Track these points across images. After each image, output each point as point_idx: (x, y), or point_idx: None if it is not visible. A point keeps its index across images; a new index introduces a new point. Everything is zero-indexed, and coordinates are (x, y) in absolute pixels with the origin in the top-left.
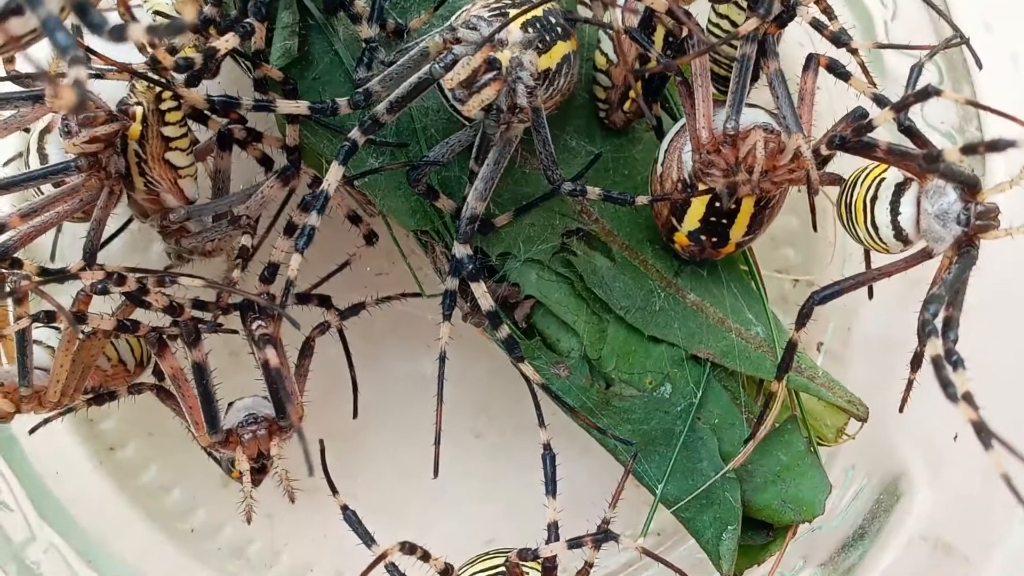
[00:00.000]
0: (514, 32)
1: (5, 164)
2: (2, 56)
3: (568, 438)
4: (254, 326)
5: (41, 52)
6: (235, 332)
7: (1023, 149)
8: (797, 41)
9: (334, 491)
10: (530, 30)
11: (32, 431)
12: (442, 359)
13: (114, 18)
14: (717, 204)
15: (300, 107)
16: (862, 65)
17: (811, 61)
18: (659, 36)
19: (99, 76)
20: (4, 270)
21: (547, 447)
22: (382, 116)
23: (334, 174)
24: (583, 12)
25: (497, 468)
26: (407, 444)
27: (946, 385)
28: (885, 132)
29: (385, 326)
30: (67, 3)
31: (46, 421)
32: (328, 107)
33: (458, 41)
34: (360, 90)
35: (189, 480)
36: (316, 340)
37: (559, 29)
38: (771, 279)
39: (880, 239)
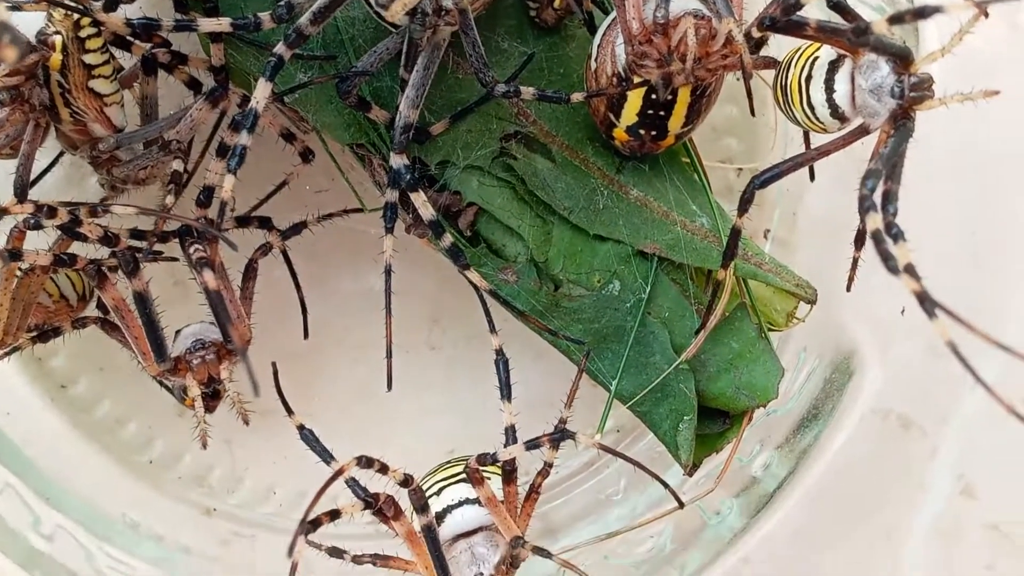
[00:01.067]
0: None
1: None
2: None
3: (522, 344)
4: (191, 249)
5: None
6: (175, 260)
7: (953, 16)
8: None
9: (289, 412)
10: None
11: None
12: (388, 272)
13: None
14: (653, 96)
15: (222, 24)
16: None
17: None
18: None
19: (15, 8)
20: None
21: (499, 352)
22: (306, 28)
23: (261, 91)
24: None
25: (453, 379)
26: (361, 361)
27: (887, 258)
28: (815, 10)
29: (329, 244)
30: None
31: None
32: (251, 23)
33: None
34: (282, 3)
35: (144, 412)
36: (259, 262)
37: None
38: (715, 170)
39: (817, 119)
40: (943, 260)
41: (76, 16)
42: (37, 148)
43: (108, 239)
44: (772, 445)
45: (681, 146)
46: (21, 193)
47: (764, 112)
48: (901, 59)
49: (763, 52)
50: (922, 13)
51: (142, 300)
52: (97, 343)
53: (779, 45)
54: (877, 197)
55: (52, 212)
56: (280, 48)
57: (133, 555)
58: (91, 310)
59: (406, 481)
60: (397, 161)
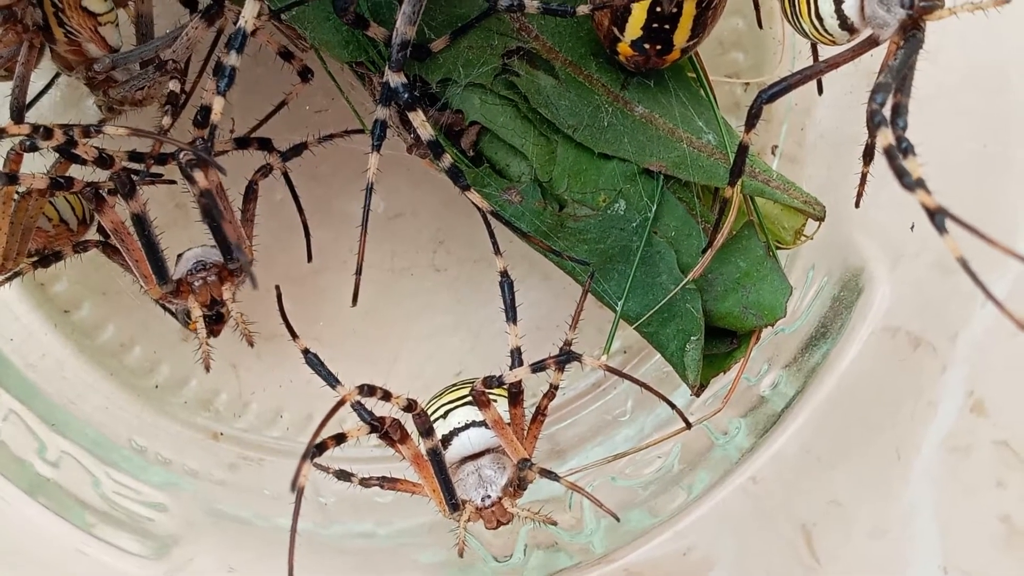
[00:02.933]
0: None
1: None
2: None
3: (529, 265)
4: (182, 156)
5: None
6: (173, 183)
7: None
8: None
9: (294, 335)
10: None
11: None
12: (368, 190)
13: None
14: (658, 9)
15: None
16: None
17: None
18: None
19: None
20: None
21: (504, 274)
22: None
23: (249, 9)
24: None
25: (460, 301)
26: (366, 282)
27: (901, 175)
28: None
29: (331, 166)
30: None
31: None
32: None
33: None
34: None
35: (148, 337)
36: (260, 184)
37: None
38: (722, 85)
39: (826, 30)
40: (953, 174)
41: None
42: (32, 69)
43: (104, 161)
44: (780, 364)
45: (687, 61)
46: (17, 115)
47: (771, 25)
48: None
49: None
50: None
51: (140, 222)
52: (99, 268)
53: None
54: (887, 111)
55: (48, 133)
56: None
57: (140, 480)
58: (92, 234)
59: (410, 406)
60: (395, 79)
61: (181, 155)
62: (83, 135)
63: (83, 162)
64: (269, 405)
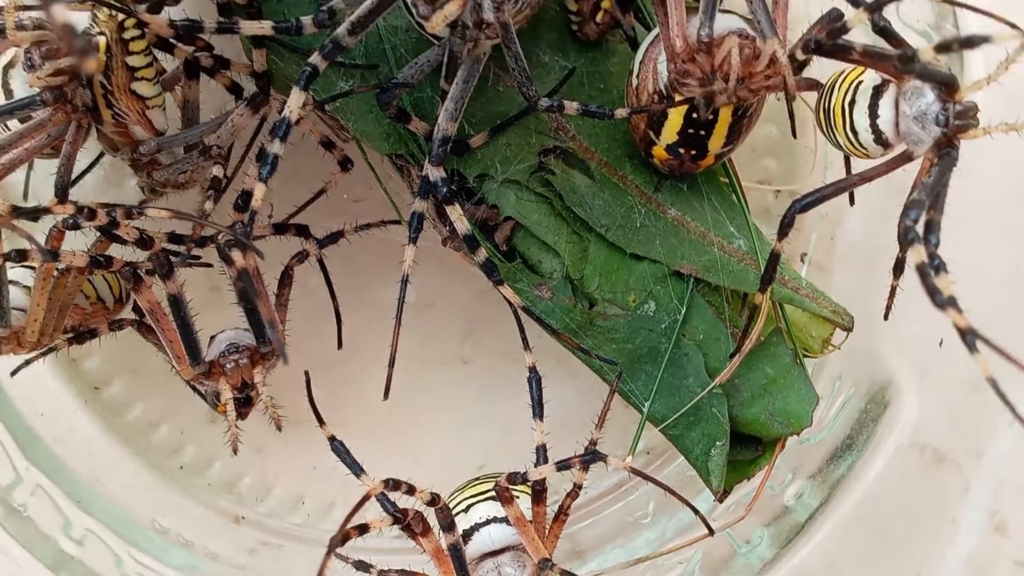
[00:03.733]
0: None
1: None
2: None
3: (556, 361)
4: (223, 243)
5: None
6: (210, 265)
7: (1000, 45)
8: None
9: (321, 422)
10: None
11: (14, 372)
12: (404, 282)
13: None
14: (695, 115)
15: (264, 27)
16: None
17: None
18: None
19: None
20: None
21: (532, 370)
22: (344, 39)
23: (295, 100)
24: None
25: (486, 393)
26: (394, 372)
27: (934, 293)
28: (860, 34)
29: (366, 254)
30: None
31: (27, 362)
32: (292, 26)
33: None
34: (324, 8)
35: (176, 417)
36: (295, 269)
37: None
38: (753, 191)
39: (860, 144)
40: (984, 292)
41: (120, 17)
42: (79, 149)
43: (144, 242)
44: (805, 474)
45: (720, 166)
46: (62, 193)
47: (804, 133)
48: (946, 87)
49: (805, 73)
50: (970, 42)
51: (176, 303)
52: (131, 346)
53: (821, 65)
54: (919, 228)
55: (92, 214)
56: (316, 58)
57: (161, 561)
58: (127, 313)
59: (433, 500)
60: (433, 173)
61: (220, 238)
62: (125, 216)
63: (123, 242)
64: (292, 491)
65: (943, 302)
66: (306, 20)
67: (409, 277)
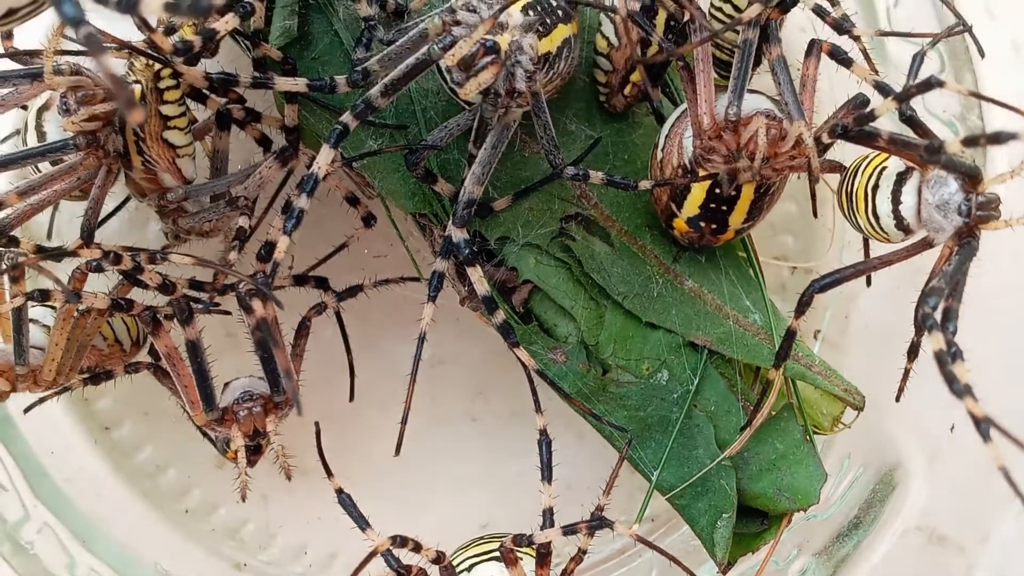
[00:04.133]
0: (514, 15)
1: (2, 141)
2: (1, 31)
3: (564, 423)
4: (244, 292)
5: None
6: (228, 313)
7: None
8: (799, 27)
9: (329, 473)
10: (530, 13)
11: (27, 410)
12: (421, 339)
13: None
14: (717, 190)
15: (298, 84)
16: (864, 52)
17: (813, 47)
18: (660, 19)
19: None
20: (1, 248)
21: (543, 433)
22: (376, 100)
23: (324, 157)
24: None
25: (493, 452)
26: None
27: (951, 381)
28: (886, 120)
29: (383, 309)
30: None
31: (41, 400)
32: (326, 84)
33: (457, 23)
34: (358, 69)
35: (184, 461)
36: (312, 321)
37: (560, 12)
38: (769, 266)
39: (881, 228)
40: (997, 378)
41: (157, 66)
42: (107, 193)
43: (166, 287)
44: (810, 551)
45: (739, 240)
46: (88, 236)
47: (822, 212)
48: (970, 177)
49: (828, 154)
50: (998, 139)
51: (194, 349)
52: (143, 388)
53: (843, 148)
54: (938, 315)
55: (117, 258)
56: (347, 117)
57: None
58: (143, 356)
59: (438, 559)
60: (457, 234)
61: (242, 287)
62: (149, 261)
63: (145, 286)
64: (295, 540)
65: (960, 390)
66: (340, 79)
67: (426, 335)
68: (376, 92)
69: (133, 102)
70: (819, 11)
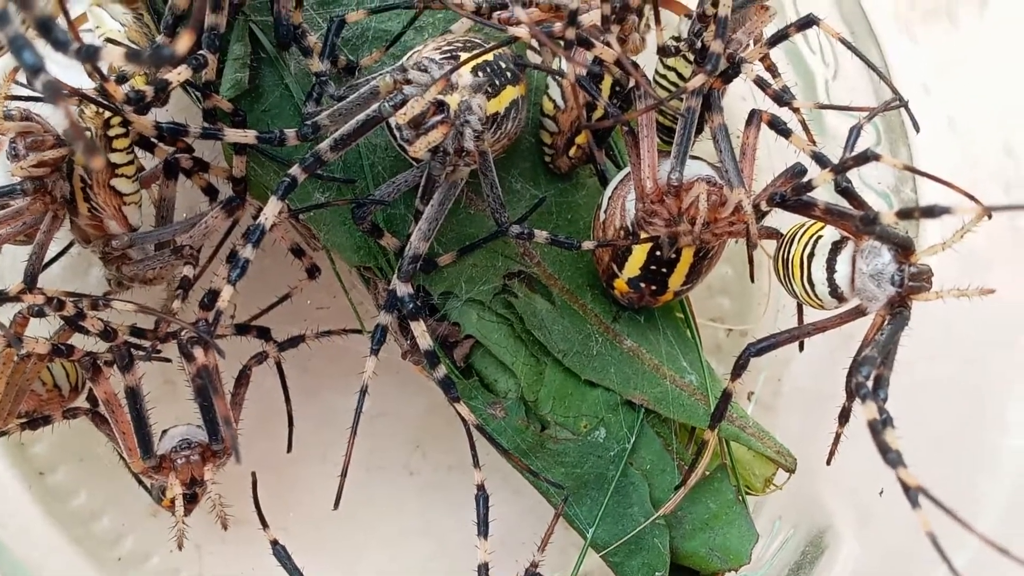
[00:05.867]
0: (464, 76)
1: None
2: None
3: (502, 478)
4: (186, 340)
5: None
6: (169, 360)
7: (956, 214)
8: (739, 95)
9: (264, 525)
10: (480, 74)
11: None
12: (363, 392)
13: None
14: (658, 253)
15: (248, 136)
16: (803, 123)
17: (754, 117)
18: (606, 84)
19: (44, 100)
20: None
21: (481, 488)
22: (325, 154)
23: (271, 209)
24: (532, 58)
25: (429, 506)
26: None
27: (885, 451)
28: (823, 190)
29: (323, 360)
30: (29, 20)
31: None
32: (276, 137)
33: (408, 82)
34: (308, 123)
35: (118, 508)
36: (253, 370)
37: (508, 74)
38: (706, 328)
39: (816, 295)
40: (925, 446)
41: (107, 114)
42: (52, 239)
43: (108, 334)
44: None
45: (677, 302)
46: (31, 281)
47: (758, 277)
48: (903, 248)
49: (766, 221)
50: (931, 212)
51: (133, 396)
52: (79, 433)
53: (780, 215)
54: (870, 383)
55: (60, 304)
56: (296, 170)
57: None
58: (81, 401)
59: None
60: (401, 289)
61: (184, 334)
62: (91, 307)
63: (86, 332)
64: None
65: (893, 459)
66: (290, 132)
67: (369, 388)
68: (325, 146)
69: (95, 148)
70: (760, 83)
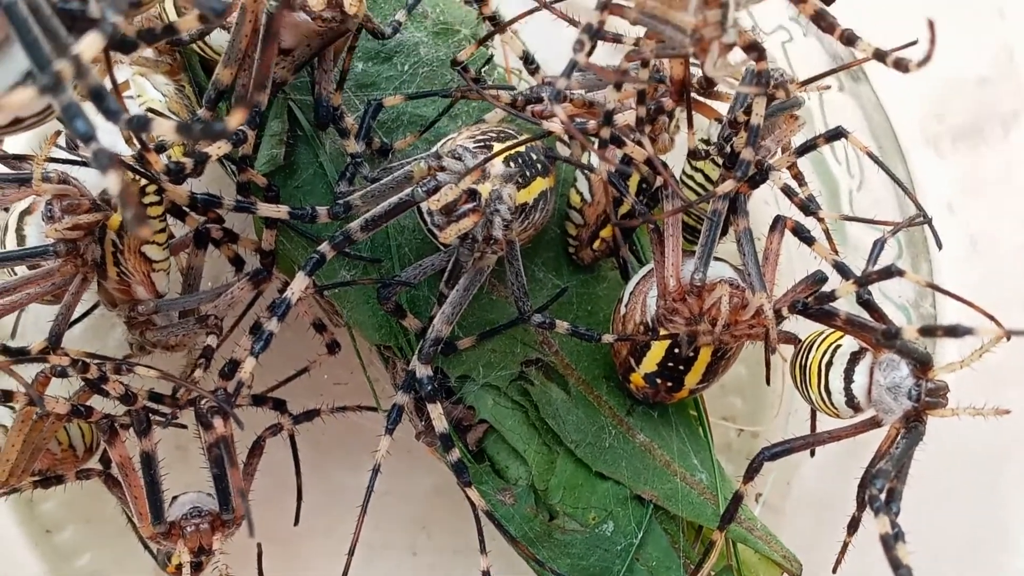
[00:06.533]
0: (497, 165)
1: None
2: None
3: (505, 562)
4: (205, 408)
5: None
6: (184, 427)
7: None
8: (762, 199)
9: None
10: (512, 165)
11: None
12: (375, 471)
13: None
14: (676, 350)
15: (280, 211)
16: (826, 232)
17: (778, 223)
18: (634, 180)
19: (84, 164)
20: None
21: (486, 574)
22: (355, 234)
23: (298, 284)
24: (562, 150)
25: None
26: (344, 555)
27: (896, 566)
28: (843, 300)
29: (335, 435)
30: (83, 88)
31: None
32: (308, 214)
33: (442, 169)
34: (340, 202)
35: (123, 571)
36: (267, 441)
37: (539, 165)
38: (717, 426)
39: (832, 404)
40: (940, 560)
41: (143, 182)
42: (79, 301)
43: (128, 397)
44: None
45: (691, 399)
46: (56, 341)
47: (772, 379)
48: (922, 364)
49: (784, 325)
50: (954, 332)
51: (149, 460)
52: (88, 494)
53: (798, 320)
54: (883, 495)
55: (84, 367)
56: (325, 247)
57: None
58: (94, 462)
59: None
60: (421, 370)
61: (204, 402)
62: (114, 371)
63: (107, 395)
64: None
65: (904, 575)
66: (321, 210)
67: (381, 467)
68: (356, 226)
69: (143, 219)
70: (787, 191)
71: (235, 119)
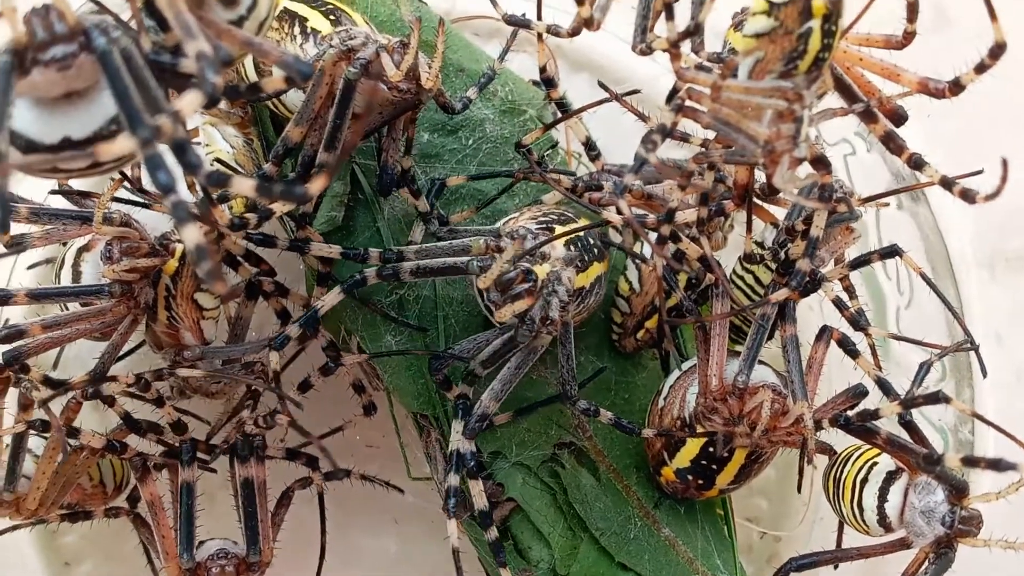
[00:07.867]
0: (558, 248)
1: (29, 268)
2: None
3: None
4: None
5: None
6: (214, 471)
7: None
8: (807, 305)
9: None
10: (572, 248)
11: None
12: (455, 553)
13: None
14: (711, 449)
15: (332, 251)
16: (872, 347)
17: (824, 333)
18: (683, 275)
19: (146, 206)
20: (13, 374)
21: None
22: (403, 273)
23: (332, 297)
24: (614, 236)
25: None
26: None
27: None
28: (886, 421)
29: (359, 497)
30: (168, 140)
31: (15, 527)
32: (360, 254)
33: (500, 250)
34: (390, 267)
35: None
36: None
37: (596, 250)
38: (741, 527)
39: (863, 520)
40: None
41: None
42: (127, 341)
43: (179, 426)
44: None
45: (719, 499)
46: (100, 378)
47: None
48: (958, 491)
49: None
50: (997, 465)
51: (189, 490)
52: (110, 530)
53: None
54: None
55: (147, 386)
56: (370, 272)
57: None
58: (120, 501)
59: None
60: (464, 446)
61: (240, 444)
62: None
63: (141, 433)
64: None
65: None
66: (374, 252)
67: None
68: (408, 267)
69: (218, 275)
70: (838, 303)
71: (317, 185)
